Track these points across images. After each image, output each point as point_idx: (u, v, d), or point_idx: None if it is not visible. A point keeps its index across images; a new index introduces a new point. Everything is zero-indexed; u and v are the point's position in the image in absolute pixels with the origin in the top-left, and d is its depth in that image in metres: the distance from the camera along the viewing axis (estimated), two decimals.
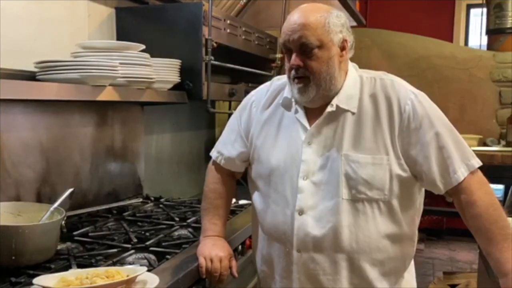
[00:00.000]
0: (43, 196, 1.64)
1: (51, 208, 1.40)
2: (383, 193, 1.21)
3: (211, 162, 1.50)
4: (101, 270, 1.11)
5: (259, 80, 2.73)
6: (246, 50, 2.46)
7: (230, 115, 2.91)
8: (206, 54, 1.99)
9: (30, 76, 1.48)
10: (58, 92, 1.41)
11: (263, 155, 1.34)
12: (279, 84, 1.38)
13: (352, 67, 1.31)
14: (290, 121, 1.31)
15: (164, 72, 1.88)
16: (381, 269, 1.26)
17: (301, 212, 1.24)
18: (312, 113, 1.29)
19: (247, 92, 2.50)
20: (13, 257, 1.21)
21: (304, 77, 1.23)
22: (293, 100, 1.30)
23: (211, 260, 1.32)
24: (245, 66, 2.46)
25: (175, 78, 1.94)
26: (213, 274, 1.31)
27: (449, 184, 1.22)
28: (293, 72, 1.25)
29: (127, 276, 1.08)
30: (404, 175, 1.23)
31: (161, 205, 2.05)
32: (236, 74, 2.56)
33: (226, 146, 1.45)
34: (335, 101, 1.25)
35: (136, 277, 1.09)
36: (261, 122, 1.36)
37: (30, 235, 1.24)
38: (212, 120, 3.02)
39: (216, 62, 2.05)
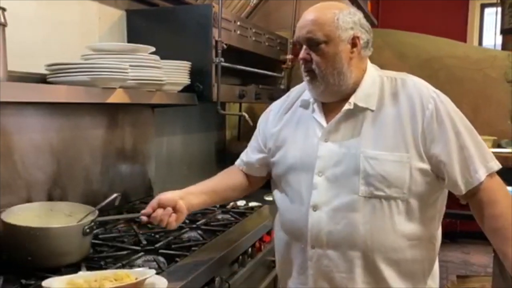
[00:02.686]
0: (54, 198, 1.64)
1: (94, 209, 1.39)
2: (401, 191, 1.20)
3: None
4: (109, 273, 1.10)
5: (270, 81, 2.73)
6: (256, 52, 2.45)
7: (240, 116, 2.96)
8: (216, 55, 1.99)
9: (41, 79, 1.49)
10: (68, 94, 1.41)
11: (281, 156, 1.37)
12: (298, 91, 1.43)
13: (372, 67, 1.32)
14: (307, 120, 1.34)
15: (174, 74, 1.88)
16: (397, 270, 1.24)
17: (315, 208, 1.25)
18: (329, 112, 1.30)
19: (257, 94, 2.52)
20: (29, 258, 1.22)
21: (311, 71, 1.26)
22: (310, 100, 1.34)
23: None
24: (255, 68, 2.45)
25: (185, 80, 1.94)
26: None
27: (470, 184, 1.21)
28: (302, 66, 1.29)
29: (136, 279, 1.08)
30: (425, 174, 1.22)
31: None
32: (246, 76, 2.55)
33: (247, 153, 1.51)
34: (352, 99, 1.26)
35: (144, 280, 1.09)
36: (279, 126, 1.40)
37: (43, 237, 1.24)
38: (223, 121, 3.02)
39: (226, 64, 2.04)
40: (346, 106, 1.25)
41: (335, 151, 1.25)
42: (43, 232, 1.26)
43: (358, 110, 1.26)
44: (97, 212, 1.40)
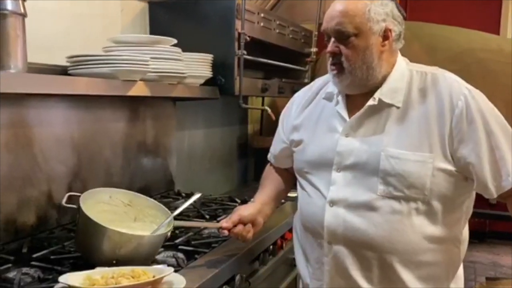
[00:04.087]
0: (74, 191, 1.63)
1: (174, 214, 1.35)
2: (422, 192, 1.15)
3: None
4: (127, 269, 1.08)
5: (293, 75, 2.68)
6: (280, 44, 2.41)
7: (263, 111, 2.92)
8: (239, 48, 1.96)
9: (62, 71, 1.48)
10: (88, 86, 1.40)
11: (300, 150, 1.34)
12: (321, 83, 1.38)
13: (402, 60, 1.26)
14: (330, 113, 1.29)
15: (196, 67, 1.85)
16: (417, 273, 1.20)
17: (332, 204, 1.23)
18: (353, 106, 1.25)
19: (280, 88, 2.47)
20: (114, 262, 1.17)
21: (338, 64, 1.21)
22: (335, 92, 1.29)
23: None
24: (279, 61, 2.40)
25: (207, 73, 1.91)
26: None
27: (501, 188, 1.15)
28: (330, 59, 1.23)
29: (153, 276, 1.05)
30: (450, 175, 1.16)
31: (192, 202, 2.02)
32: (270, 69, 2.50)
33: (273, 144, 1.51)
34: (377, 94, 1.21)
35: (162, 278, 1.06)
36: (301, 119, 1.37)
37: (137, 244, 1.21)
38: (245, 115, 2.98)
39: (249, 57, 2.01)
40: (371, 102, 1.20)
41: (355, 147, 1.21)
42: (138, 239, 1.22)
43: (383, 106, 1.20)
44: (172, 216, 1.36)
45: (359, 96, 1.24)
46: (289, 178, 1.49)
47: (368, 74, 1.19)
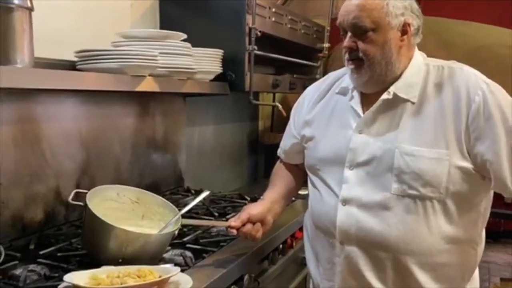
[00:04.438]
0: (83, 188, 1.62)
1: (181, 212, 1.33)
2: (438, 191, 1.11)
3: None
4: (133, 268, 1.06)
5: (305, 71, 2.64)
6: (292, 40, 2.37)
7: (273, 107, 2.89)
8: (250, 43, 1.93)
9: (71, 66, 1.46)
10: (96, 81, 1.38)
11: (312, 147, 1.32)
12: (335, 76, 1.35)
13: (419, 54, 1.22)
14: (343, 108, 1.26)
15: (206, 62, 1.83)
16: (433, 274, 1.16)
17: (344, 203, 1.19)
18: (368, 101, 1.21)
19: (291, 83, 2.44)
20: (120, 260, 1.15)
21: (357, 60, 1.17)
22: (350, 87, 1.25)
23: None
24: (290, 56, 2.36)
25: (217, 68, 1.88)
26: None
27: None
28: (346, 54, 1.19)
29: (160, 276, 1.03)
30: (466, 174, 1.12)
31: (201, 199, 2.00)
32: (281, 65, 2.47)
33: (283, 140, 1.48)
34: (392, 89, 1.17)
35: (168, 278, 1.04)
36: (313, 114, 1.34)
37: (144, 242, 1.19)
38: (255, 112, 2.95)
39: (260, 52, 1.98)
40: (385, 96, 1.17)
41: (369, 144, 1.18)
42: (145, 237, 1.21)
43: (398, 101, 1.17)
44: (180, 215, 1.33)
45: (374, 93, 1.21)
46: (300, 175, 1.46)
47: (387, 70, 1.16)
